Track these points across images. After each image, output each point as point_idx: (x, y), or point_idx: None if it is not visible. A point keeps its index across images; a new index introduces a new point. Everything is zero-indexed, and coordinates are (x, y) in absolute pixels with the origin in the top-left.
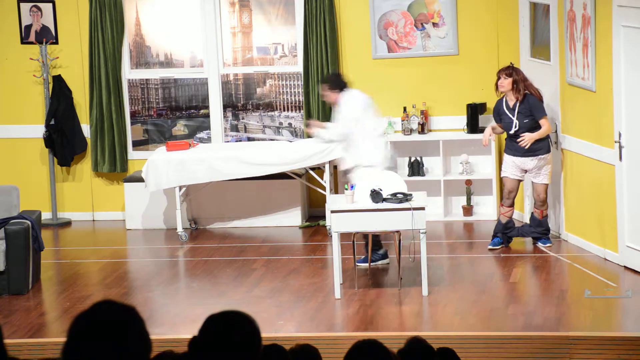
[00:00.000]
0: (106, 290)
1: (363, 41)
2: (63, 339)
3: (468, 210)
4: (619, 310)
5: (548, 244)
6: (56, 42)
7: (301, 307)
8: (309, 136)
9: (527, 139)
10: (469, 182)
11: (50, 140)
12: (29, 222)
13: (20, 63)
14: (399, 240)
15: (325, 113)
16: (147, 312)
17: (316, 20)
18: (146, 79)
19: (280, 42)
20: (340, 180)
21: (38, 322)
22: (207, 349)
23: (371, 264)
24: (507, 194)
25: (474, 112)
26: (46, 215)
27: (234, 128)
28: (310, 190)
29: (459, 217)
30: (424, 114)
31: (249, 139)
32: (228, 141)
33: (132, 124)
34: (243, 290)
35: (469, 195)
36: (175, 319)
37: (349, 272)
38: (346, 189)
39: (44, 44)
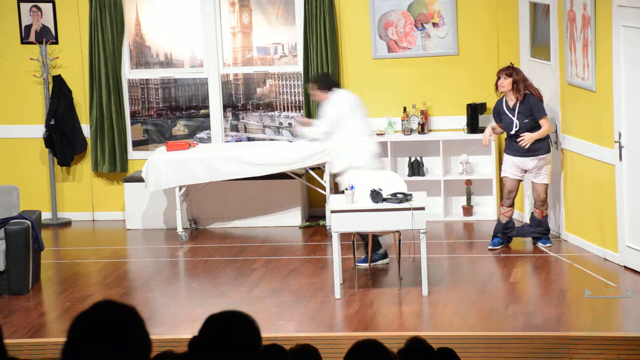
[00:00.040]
0: (106, 290)
1: (363, 41)
2: (63, 339)
3: (468, 210)
4: (619, 310)
5: (548, 244)
6: (56, 42)
7: (301, 307)
8: (294, 135)
9: (527, 138)
10: (469, 182)
11: (50, 140)
12: (29, 222)
13: (20, 63)
14: (399, 240)
15: None
16: (147, 312)
17: (316, 20)
18: (146, 79)
19: (280, 42)
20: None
21: (38, 322)
22: (207, 349)
23: (371, 263)
24: (507, 194)
25: (474, 112)
26: (46, 215)
27: (234, 128)
28: (310, 190)
29: (459, 217)
30: (424, 114)
31: (249, 139)
32: (228, 141)
33: (132, 124)
34: (243, 290)
35: (469, 195)
36: (175, 319)
37: (349, 272)
38: (346, 189)
39: (44, 44)
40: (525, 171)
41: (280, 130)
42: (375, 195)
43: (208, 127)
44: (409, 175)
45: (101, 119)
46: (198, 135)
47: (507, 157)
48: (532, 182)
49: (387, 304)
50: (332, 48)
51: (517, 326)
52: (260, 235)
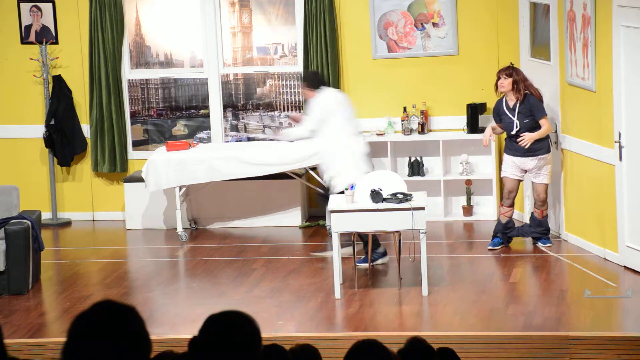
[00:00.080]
0: (106, 290)
1: (363, 41)
2: (63, 339)
3: (468, 210)
4: (619, 310)
5: (548, 244)
6: (56, 42)
7: (301, 307)
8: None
9: (527, 138)
10: (469, 182)
11: (50, 140)
12: (29, 222)
13: (20, 63)
14: (399, 240)
15: None
16: (147, 312)
17: (316, 20)
18: (146, 79)
19: (280, 42)
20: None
21: (38, 322)
22: (207, 349)
23: (371, 263)
24: (507, 194)
25: (474, 112)
26: (46, 215)
27: (234, 128)
28: (310, 190)
29: (459, 217)
30: (424, 114)
31: (249, 139)
32: (228, 141)
33: (132, 124)
34: (243, 290)
35: (469, 195)
36: (175, 319)
37: (349, 272)
38: (346, 189)
39: (44, 44)
40: (525, 171)
41: (280, 130)
42: (375, 195)
43: (208, 127)
44: (409, 175)
45: (101, 119)
46: (198, 135)
47: (507, 157)
48: (532, 182)
49: (387, 304)
50: (332, 48)
51: (517, 326)
52: (260, 235)
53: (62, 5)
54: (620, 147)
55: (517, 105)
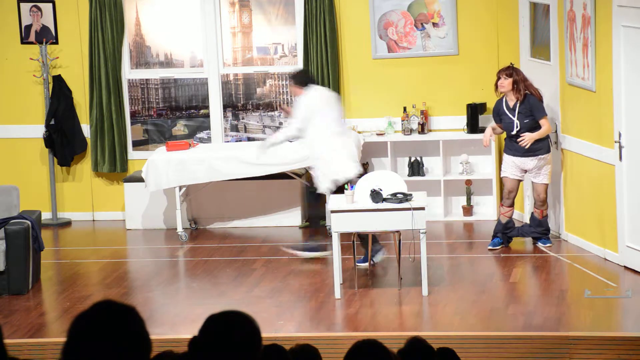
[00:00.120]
0: (106, 290)
1: (363, 41)
2: (63, 339)
3: (468, 210)
4: (619, 310)
5: (548, 244)
6: (56, 42)
7: (301, 307)
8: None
9: (527, 138)
10: (469, 182)
11: (50, 140)
12: (29, 222)
13: (20, 63)
14: (399, 240)
15: None
16: (147, 312)
17: (316, 20)
18: (146, 79)
19: (280, 42)
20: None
21: (38, 322)
22: (207, 349)
23: (371, 261)
24: (507, 194)
25: (474, 112)
26: (46, 215)
27: (234, 128)
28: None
29: (459, 217)
30: (424, 114)
31: (249, 139)
32: (228, 141)
33: (132, 124)
34: (243, 290)
35: (469, 195)
36: (175, 319)
37: (349, 272)
38: (346, 189)
39: (44, 44)
40: (525, 171)
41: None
42: (375, 195)
43: (208, 127)
44: (409, 175)
45: (101, 119)
46: (198, 135)
47: (507, 157)
48: (532, 182)
49: (387, 304)
50: (332, 48)
51: (517, 326)
52: (260, 235)
53: (62, 5)
54: (620, 147)
55: (517, 105)
